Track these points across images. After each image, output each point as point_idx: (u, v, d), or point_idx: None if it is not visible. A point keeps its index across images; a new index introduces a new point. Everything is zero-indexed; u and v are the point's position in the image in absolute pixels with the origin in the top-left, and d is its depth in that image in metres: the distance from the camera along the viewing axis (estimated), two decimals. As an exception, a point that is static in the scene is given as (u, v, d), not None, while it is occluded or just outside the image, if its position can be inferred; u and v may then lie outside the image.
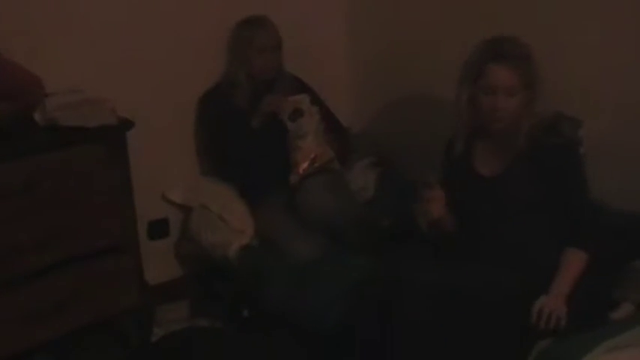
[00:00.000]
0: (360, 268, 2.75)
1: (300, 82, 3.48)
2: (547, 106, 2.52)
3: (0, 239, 2.55)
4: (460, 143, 2.61)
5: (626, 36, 2.75)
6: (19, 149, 2.60)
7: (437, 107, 3.48)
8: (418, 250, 2.71)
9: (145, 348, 3.03)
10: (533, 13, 3.02)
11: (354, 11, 3.86)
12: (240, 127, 3.22)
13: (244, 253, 3.13)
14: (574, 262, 2.37)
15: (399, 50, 3.65)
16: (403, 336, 2.32)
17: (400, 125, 3.71)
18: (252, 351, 2.83)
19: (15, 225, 2.58)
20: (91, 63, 3.05)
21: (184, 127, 3.43)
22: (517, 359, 2.25)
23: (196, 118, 3.43)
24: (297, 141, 3.24)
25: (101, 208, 2.78)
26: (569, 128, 2.61)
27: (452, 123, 3.29)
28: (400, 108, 3.70)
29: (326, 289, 2.78)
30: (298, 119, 3.23)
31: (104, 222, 2.80)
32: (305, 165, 3.23)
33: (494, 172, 2.55)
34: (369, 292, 2.51)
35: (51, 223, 2.66)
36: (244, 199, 3.28)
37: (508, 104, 2.42)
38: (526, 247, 2.44)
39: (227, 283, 3.21)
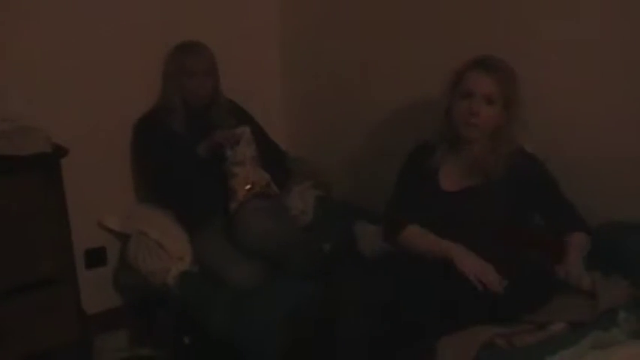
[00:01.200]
0: (300, 294, 2.73)
1: (237, 105, 3.48)
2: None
3: None
4: (438, 153, 2.63)
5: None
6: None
7: (374, 129, 3.54)
8: (358, 272, 2.70)
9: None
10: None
11: (288, 35, 3.89)
12: (177, 151, 3.20)
13: (183, 279, 3.10)
14: (581, 241, 2.49)
15: (336, 73, 3.68)
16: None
17: (337, 148, 3.74)
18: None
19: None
20: (24, 90, 3.00)
21: (120, 153, 3.40)
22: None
23: (132, 144, 3.39)
24: (234, 168, 3.23)
25: (36, 237, 2.75)
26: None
27: (388, 146, 3.37)
28: (337, 131, 3.74)
29: (264, 316, 2.76)
30: (234, 147, 3.23)
31: (40, 252, 2.77)
32: (243, 192, 3.22)
33: (456, 187, 2.57)
34: (306, 315, 2.52)
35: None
36: (182, 225, 3.25)
37: (483, 111, 2.45)
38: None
39: (167, 311, 3.18)
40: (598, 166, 2.71)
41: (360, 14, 3.49)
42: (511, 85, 2.47)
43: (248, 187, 3.20)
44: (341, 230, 3.13)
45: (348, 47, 3.59)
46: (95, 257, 3.40)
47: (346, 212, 3.33)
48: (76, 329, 2.88)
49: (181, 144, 3.22)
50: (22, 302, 2.75)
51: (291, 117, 4.00)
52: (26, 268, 2.75)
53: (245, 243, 3.03)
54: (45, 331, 2.81)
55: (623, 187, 2.66)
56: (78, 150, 2.91)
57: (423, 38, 3.22)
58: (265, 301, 2.82)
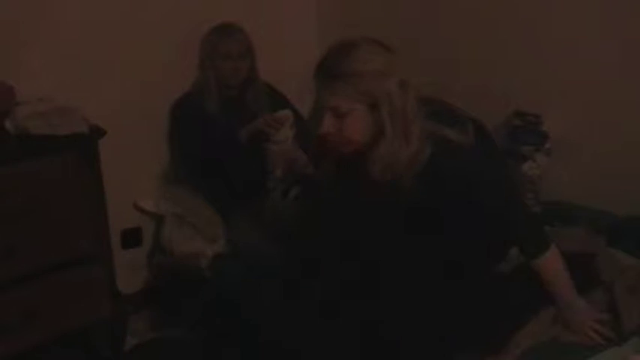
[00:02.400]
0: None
1: (273, 88, 3.48)
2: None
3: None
4: None
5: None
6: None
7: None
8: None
9: (118, 358, 3.01)
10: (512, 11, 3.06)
11: (325, 18, 3.88)
12: (212, 134, 3.21)
13: (216, 262, 3.12)
14: (550, 267, 2.21)
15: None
16: None
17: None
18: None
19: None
20: (63, 71, 3.04)
21: (156, 134, 3.42)
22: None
23: (168, 126, 3.41)
24: (274, 147, 3.24)
25: (74, 217, 2.76)
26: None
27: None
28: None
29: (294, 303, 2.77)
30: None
31: (77, 231, 2.78)
32: (282, 170, 3.23)
33: None
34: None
35: (21, 232, 2.63)
36: (216, 207, 3.27)
37: None
38: None
39: (200, 293, 3.19)
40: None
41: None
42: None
43: (289, 161, 3.21)
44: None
45: (385, 30, 3.55)
46: (131, 238, 3.44)
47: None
48: (109, 308, 2.90)
49: (217, 126, 3.22)
50: (58, 281, 2.76)
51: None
52: (62, 247, 2.76)
53: (277, 225, 3.04)
54: (80, 309, 2.83)
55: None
56: (115, 131, 2.91)
57: (467, 24, 3.21)
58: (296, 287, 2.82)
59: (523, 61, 3.04)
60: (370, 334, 2.26)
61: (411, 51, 3.41)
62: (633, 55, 2.68)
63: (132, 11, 3.22)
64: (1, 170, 2.56)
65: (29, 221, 2.65)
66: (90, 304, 2.85)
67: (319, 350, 2.37)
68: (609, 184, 2.80)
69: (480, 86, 3.16)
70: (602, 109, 2.82)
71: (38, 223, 2.68)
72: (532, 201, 2.94)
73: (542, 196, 2.98)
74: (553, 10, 2.90)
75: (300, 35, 3.85)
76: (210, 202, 3.28)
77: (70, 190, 2.73)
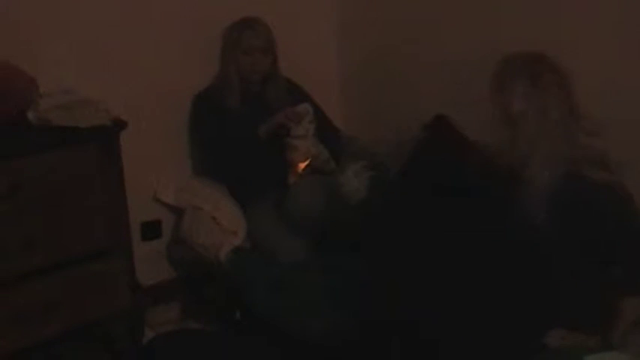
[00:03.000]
0: (347, 273, 2.75)
1: (294, 84, 3.48)
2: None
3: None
4: None
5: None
6: (10, 149, 2.59)
7: (431, 112, 3.49)
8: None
9: (136, 350, 3.01)
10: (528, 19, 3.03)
11: (345, 14, 3.87)
12: (232, 127, 3.21)
13: (235, 255, 3.13)
14: None
15: (392, 53, 3.66)
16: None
17: (393, 129, 3.71)
18: (244, 354, 2.82)
19: (5, 225, 2.56)
20: (85, 64, 3.05)
21: (177, 127, 3.42)
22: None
23: (189, 119, 3.42)
24: (295, 141, 3.25)
25: (94, 208, 2.77)
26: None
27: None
28: (393, 112, 3.71)
29: (312, 296, 2.78)
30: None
31: (97, 223, 2.79)
32: (303, 165, 3.24)
33: None
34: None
35: (42, 223, 2.65)
36: (236, 200, 3.27)
37: None
38: None
39: (219, 285, 3.20)
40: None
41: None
42: None
43: (308, 161, 3.22)
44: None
45: (407, 28, 3.55)
46: (151, 230, 3.45)
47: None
48: (129, 300, 2.91)
49: (237, 120, 3.23)
50: (78, 272, 2.77)
51: (347, 97, 3.98)
52: (82, 239, 2.77)
53: (296, 218, 3.05)
54: (99, 301, 2.84)
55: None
56: (136, 123, 2.92)
57: (486, 24, 3.19)
58: (313, 281, 2.84)
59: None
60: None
61: (433, 46, 3.44)
62: None
63: (154, 4, 3.23)
64: (23, 161, 2.58)
65: (49, 213, 2.67)
66: (109, 296, 2.86)
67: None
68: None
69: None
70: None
71: (58, 215, 2.69)
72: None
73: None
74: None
75: (320, 32, 3.85)
76: (231, 195, 3.28)
77: (90, 182, 2.74)
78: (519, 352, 2.16)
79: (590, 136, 2.26)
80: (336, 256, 2.92)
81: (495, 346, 2.18)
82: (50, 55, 2.96)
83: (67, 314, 2.76)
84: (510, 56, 2.35)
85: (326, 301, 2.70)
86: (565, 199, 2.20)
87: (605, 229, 2.20)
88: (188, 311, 3.37)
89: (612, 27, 2.75)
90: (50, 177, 2.64)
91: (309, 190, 3.15)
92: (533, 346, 2.17)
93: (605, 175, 2.22)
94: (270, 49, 3.32)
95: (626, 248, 2.21)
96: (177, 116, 3.40)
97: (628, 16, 2.70)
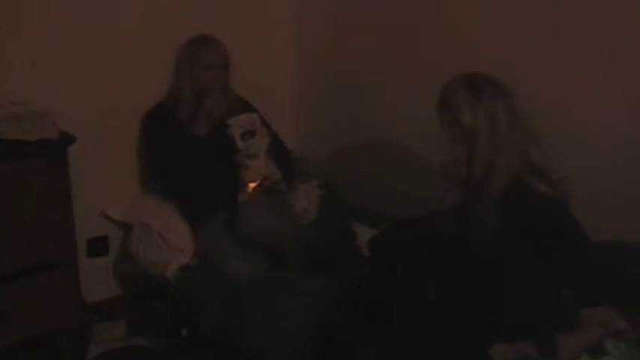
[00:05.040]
0: (302, 293, 2.79)
1: (246, 102, 3.49)
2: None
3: None
4: None
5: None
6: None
7: (384, 133, 3.55)
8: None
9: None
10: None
11: (302, 34, 3.90)
12: (183, 144, 3.21)
13: (183, 272, 3.11)
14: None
15: (349, 74, 3.70)
16: None
17: (345, 150, 3.75)
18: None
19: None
20: (37, 76, 3.03)
21: (127, 143, 3.41)
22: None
23: (139, 135, 3.41)
24: (247, 161, 3.26)
25: (40, 223, 2.75)
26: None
27: (396, 149, 3.38)
28: (346, 132, 3.75)
29: (263, 315, 2.79)
30: (249, 139, 3.26)
31: (43, 237, 2.78)
32: (254, 185, 3.25)
33: None
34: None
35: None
36: (185, 217, 3.27)
37: None
38: None
39: (165, 303, 3.19)
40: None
41: (378, 14, 3.50)
42: None
43: (259, 180, 3.23)
44: (342, 230, 3.15)
45: (363, 48, 3.59)
46: (97, 246, 3.42)
47: (349, 213, 3.34)
48: (74, 316, 2.89)
49: (188, 136, 3.23)
50: (23, 286, 2.76)
51: (300, 116, 4.01)
52: (29, 252, 2.75)
53: (246, 236, 3.07)
54: (44, 316, 2.83)
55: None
56: (86, 138, 2.92)
57: (440, 40, 3.24)
58: (265, 297, 2.84)
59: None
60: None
61: (388, 67, 3.49)
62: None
63: (109, 20, 3.22)
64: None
65: (-4, 225, 2.65)
66: (55, 310, 2.85)
67: None
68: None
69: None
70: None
71: (3, 228, 2.67)
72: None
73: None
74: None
75: (275, 51, 3.87)
76: (180, 212, 3.28)
77: (37, 196, 2.73)
78: None
79: (535, 149, 2.31)
80: (288, 274, 2.94)
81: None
82: (3, 66, 2.94)
83: (13, 327, 2.74)
84: (450, 78, 2.39)
85: (283, 318, 2.72)
86: (513, 208, 2.25)
87: (549, 237, 2.25)
88: (134, 328, 3.34)
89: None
90: (-3, 190, 2.62)
91: (260, 209, 3.16)
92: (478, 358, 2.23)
93: (547, 189, 2.27)
94: (227, 66, 3.34)
95: (569, 260, 2.28)
96: (128, 132, 3.39)
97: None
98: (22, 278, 2.74)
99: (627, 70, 2.66)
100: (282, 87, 3.94)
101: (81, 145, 2.84)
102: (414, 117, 3.33)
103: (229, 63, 3.34)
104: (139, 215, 3.31)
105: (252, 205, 3.20)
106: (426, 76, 3.26)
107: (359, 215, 3.28)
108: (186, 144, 3.21)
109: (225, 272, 2.98)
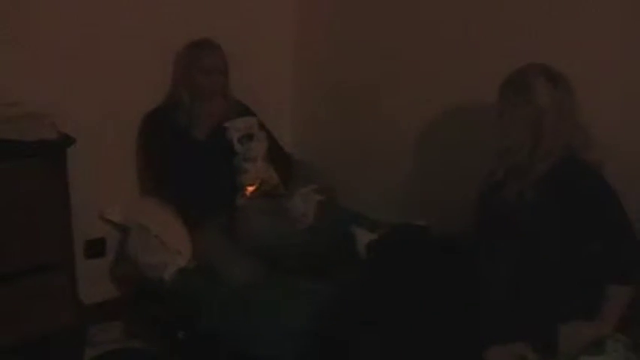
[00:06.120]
0: (302, 294, 2.80)
1: (245, 107, 3.49)
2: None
3: None
4: None
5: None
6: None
7: (381, 138, 3.55)
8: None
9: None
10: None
11: (301, 40, 3.90)
12: (182, 148, 3.22)
13: (180, 275, 3.11)
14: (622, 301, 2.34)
15: (345, 77, 3.70)
16: None
17: (343, 154, 3.75)
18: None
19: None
20: (36, 77, 3.02)
21: (126, 146, 3.41)
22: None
23: (138, 138, 3.41)
24: (245, 164, 3.27)
25: (37, 224, 2.76)
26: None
27: (394, 154, 3.38)
28: (344, 137, 3.75)
29: (259, 317, 2.79)
30: (247, 143, 3.27)
31: (40, 238, 2.78)
32: (252, 189, 3.25)
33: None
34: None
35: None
36: (184, 220, 3.27)
37: None
38: None
39: (162, 305, 3.18)
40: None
41: (378, 20, 3.51)
42: None
43: (257, 184, 3.23)
44: (340, 235, 3.15)
45: (361, 53, 3.60)
46: (94, 248, 3.41)
47: (347, 218, 3.34)
48: (71, 317, 2.89)
49: (186, 140, 3.24)
50: (20, 287, 2.76)
51: (298, 120, 4.01)
52: (26, 253, 2.75)
53: (244, 240, 3.07)
54: (41, 317, 2.82)
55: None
56: (85, 140, 2.92)
57: (439, 50, 3.25)
58: (262, 299, 2.85)
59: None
60: None
61: (385, 72, 3.50)
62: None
63: (109, 24, 3.22)
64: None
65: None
66: (51, 312, 2.85)
67: None
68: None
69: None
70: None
71: (1, 228, 2.67)
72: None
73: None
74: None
75: (273, 56, 3.87)
76: (178, 215, 3.28)
77: (35, 197, 2.73)
78: None
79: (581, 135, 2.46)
80: (286, 277, 2.95)
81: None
82: (1, 66, 2.94)
83: (8, 328, 2.74)
84: (524, 65, 2.48)
85: (281, 320, 2.73)
86: (564, 184, 2.38)
87: (599, 209, 2.37)
88: (130, 330, 3.34)
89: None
90: (-6, 190, 2.62)
91: (258, 213, 3.17)
92: None
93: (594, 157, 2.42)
94: (226, 71, 3.34)
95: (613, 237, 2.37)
96: (127, 135, 3.39)
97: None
98: (19, 279, 2.74)
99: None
100: (281, 91, 3.94)
101: (80, 147, 2.84)
102: (414, 122, 3.36)
103: (228, 67, 3.35)
104: (137, 217, 3.30)
105: (250, 209, 3.21)
106: (425, 82, 3.31)
107: (357, 220, 3.27)
108: (185, 148, 3.22)
109: (222, 276, 2.98)
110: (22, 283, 2.75)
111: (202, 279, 3.06)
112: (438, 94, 3.25)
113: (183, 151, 3.23)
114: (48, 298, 2.83)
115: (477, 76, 2.99)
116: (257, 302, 2.85)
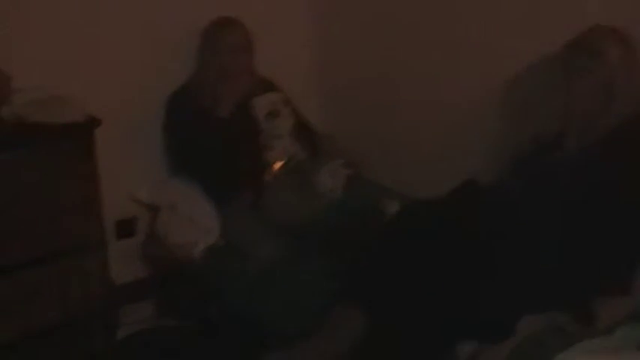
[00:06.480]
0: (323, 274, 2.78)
1: (270, 83, 3.48)
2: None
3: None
4: None
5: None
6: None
7: (407, 110, 3.53)
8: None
9: (110, 347, 3.01)
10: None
11: (322, 12, 3.87)
12: (207, 126, 3.22)
13: (210, 253, 3.13)
14: None
15: (370, 51, 3.68)
16: None
17: (370, 128, 3.73)
18: (217, 351, 2.83)
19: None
20: (61, 60, 3.04)
21: (153, 126, 3.41)
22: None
23: (163, 118, 3.41)
24: (272, 141, 3.27)
25: (68, 206, 2.77)
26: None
27: (421, 127, 3.36)
28: (370, 110, 3.73)
29: (287, 294, 2.80)
30: (273, 120, 3.27)
31: (71, 220, 2.79)
32: (279, 165, 3.26)
33: None
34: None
35: (15, 220, 2.65)
36: (211, 198, 3.27)
37: None
38: None
39: (193, 283, 3.20)
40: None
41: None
42: None
43: (284, 161, 3.23)
44: (369, 207, 3.14)
45: (386, 24, 3.57)
46: (125, 228, 3.44)
47: (376, 191, 3.33)
48: (103, 298, 2.91)
49: (212, 118, 3.23)
50: (52, 268, 2.77)
51: (325, 95, 3.99)
52: (56, 236, 2.77)
53: (271, 217, 3.07)
54: (73, 298, 2.85)
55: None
56: (111, 122, 2.92)
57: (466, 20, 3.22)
58: (289, 279, 2.85)
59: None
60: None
61: (407, 44, 3.47)
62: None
63: (132, 4, 3.22)
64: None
65: (23, 209, 2.67)
66: (83, 294, 2.87)
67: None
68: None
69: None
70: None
71: (32, 212, 2.69)
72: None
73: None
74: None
75: (297, 30, 3.85)
76: (205, 193, 3.28)
77: (65, 179, 2.74)
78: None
79: None
80: (312, 254, 2.93)
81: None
82: (25, 50, 2.95)
83: (41, 311, 2.76)
84: (589, 29, 2.49)
85: (305, 296, 2.73)
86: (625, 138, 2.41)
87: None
88: (162, 309, 3.37)
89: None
90: (24, 173, 2.64)
91: (285, 189, 3.17)
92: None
93: None
94: (251, 48, 3.33)
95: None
96: (153, 115, 3.39)
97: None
98: (51, 261, 2.76)
99: None
100: (307, 66, 3.93)
101: (107, 129, 2.84)
102: (444, 94, 3.33)
103: (252, 44, 3.33)
104: (166, 197, 3.32)
105: (278, 186, 3.21)
106: (456, 55, 3.27)
107: (386, 193, 3.26)
108: (210, 126, 3.22)
109: (252, 253, 2.99)
110: (55, 265, 2.77)
111: (230, 257, 3.07)
112: (473, 67, 3.22)
113: (209, 130, 3.23)
114: (80, 280, 2.85)
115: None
116: (282, 280, 2.86)
